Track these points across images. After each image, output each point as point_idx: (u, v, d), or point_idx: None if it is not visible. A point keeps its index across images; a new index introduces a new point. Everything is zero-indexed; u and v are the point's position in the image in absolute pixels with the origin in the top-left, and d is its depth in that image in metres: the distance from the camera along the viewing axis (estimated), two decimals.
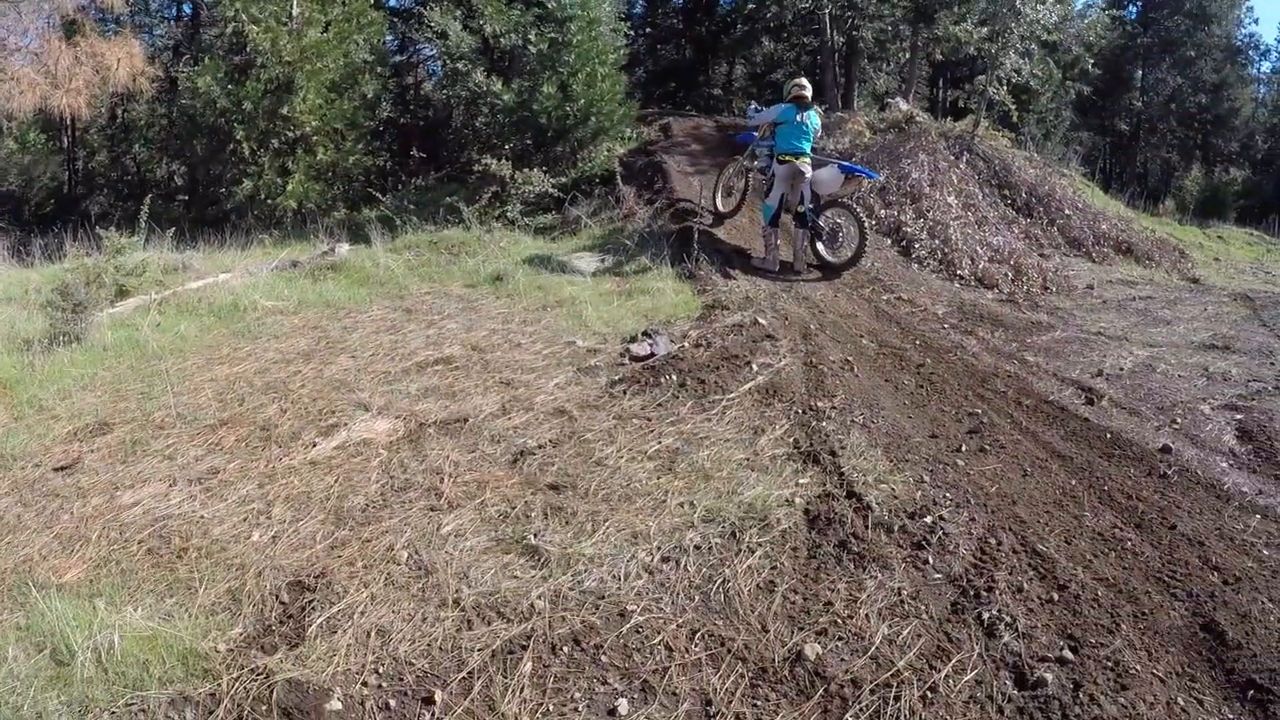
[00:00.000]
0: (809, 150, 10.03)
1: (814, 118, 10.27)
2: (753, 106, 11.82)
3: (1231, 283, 13.35)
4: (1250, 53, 42.58)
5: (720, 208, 11.76)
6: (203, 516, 4.50)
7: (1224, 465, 5.35)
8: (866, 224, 10.18)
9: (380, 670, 3.34)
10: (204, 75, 14.74)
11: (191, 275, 9.73)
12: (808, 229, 10.12)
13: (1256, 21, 55.66)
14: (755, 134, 11.08)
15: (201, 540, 4.26)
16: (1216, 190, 32.65)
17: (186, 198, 17.87)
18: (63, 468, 5.13)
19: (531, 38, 14.87)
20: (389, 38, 20.28)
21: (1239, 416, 6.14)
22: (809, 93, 10.17)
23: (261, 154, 14.92)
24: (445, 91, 18.47)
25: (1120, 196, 21.07)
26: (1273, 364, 7.43)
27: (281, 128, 15.07)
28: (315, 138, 15.36)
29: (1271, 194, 33.26)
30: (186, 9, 24.54)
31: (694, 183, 13.40)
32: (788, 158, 9.91)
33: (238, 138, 14.65)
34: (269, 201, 14.73)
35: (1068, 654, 3.43)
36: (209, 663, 3.33)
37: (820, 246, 10.22)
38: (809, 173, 9.94)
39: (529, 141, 14.97)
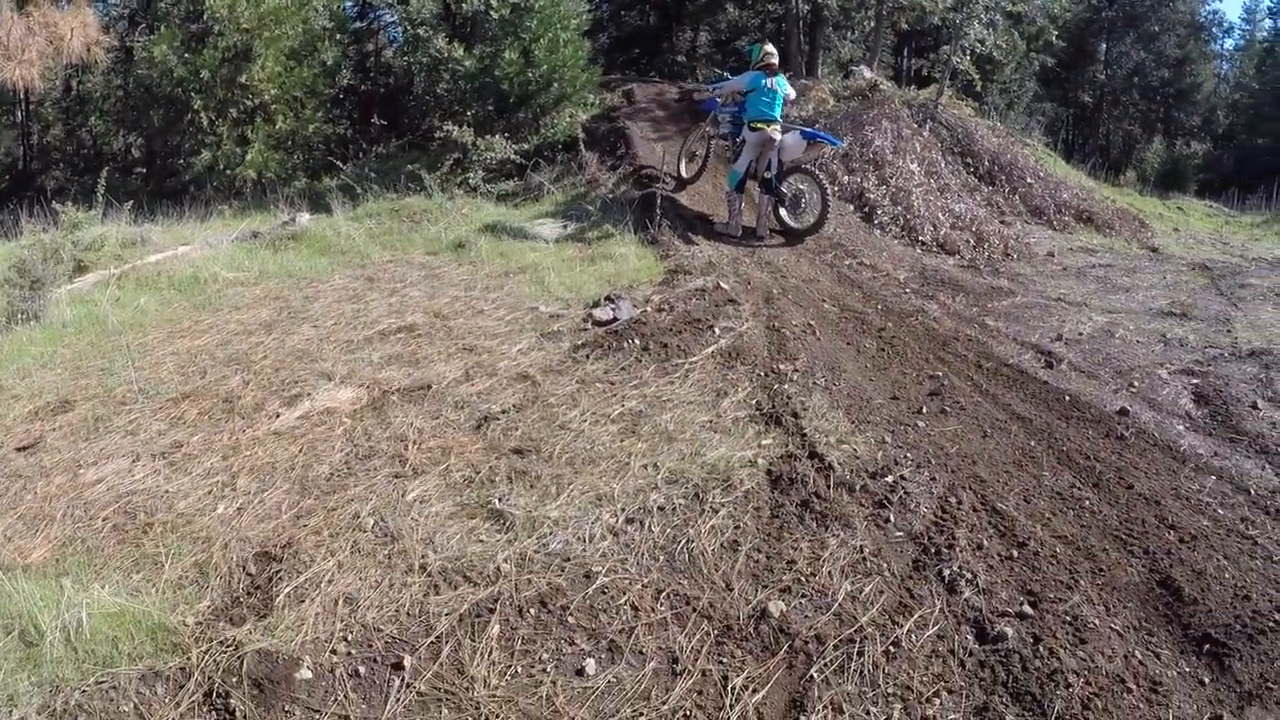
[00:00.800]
0: (779, 117, 9.97)
1: (783, 83, 10.17)
2: (720, 75, 11.92)
3: (1190, 252, 13.49)
4: (1213, 29, 43.08)
5: (684, 174, 11.68)
6: (167, 491, 4.47)
7: (1180, 428, 5.44)
8: (829, 190, 10.12)
9: (349, 637, 3.35)
10: (160, 44, 14.46)
11: (150, 249, 9.58)
12: (772, 195, 10.11)
13: None
14: (718, 100, 11.03)
15: (167, 515, 4.23)
16: (1177, 163, 32.99)
17: (144, 170, 17.57)
18: (25, 447, 5.08)
19: (493, 3, 14.66)
20: (349, 4, 20.05)
21: (1195, 381, 6.24)
22: (777, 59, 10.12)
23: (220, 124, 14.71)
24: (406, 58, 18.25)
25: (1082, 167, 21.23)
26: (1229, 331, 7.54)
27: (240, 96, 14.86)
28: (274, 106, 15.16)
29: (1231, 168, 33.70)
30: None
31: (657, 148, 13.36)
32: (759, 125, 9.83)
33: (195, 107, 14.42)
34: (228, 172, 14.55)
35: (1027, 609, 3.50)
36: (178, 637, 3.32)
37: (783, 212, 10.24)
38: (778, 139, 9.89)
39: (491, 108, 14.82)
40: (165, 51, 14.37)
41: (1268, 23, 45.89)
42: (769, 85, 9.89)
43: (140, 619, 3.37)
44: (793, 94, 10.69)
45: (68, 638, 3.25)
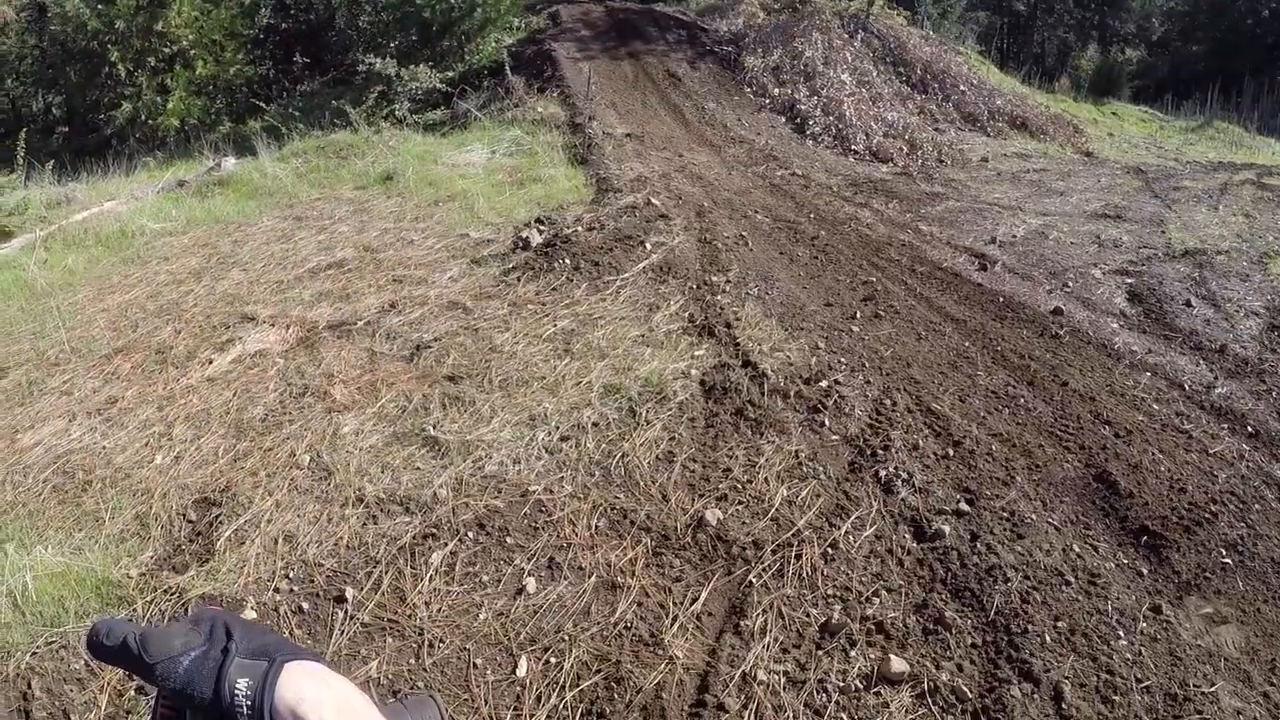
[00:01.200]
0: None
1: None
2: None
3: (1125, 157, 13.63)
4: None
5: None
6: (105, 447, 4.43)
7: (1114, 326, 5.55)
8: None
9: (290, 575, 3.36)
10: None
11: (76, 207, 9.38)
12: None
13: None
14: None
15: (105, 470, 4.20)
16: (1112, 69, 33.05)
17: (66, 129, 17.11)
18: None
19: None
20: None
21: (1130, 280, 6.34)
22: None
23: (139, 74, 14.38)
24: None
25: (1016, 74, 21.25)
26: (1163, 232, 7.64)
27: (157, 44, 14.50)
28: (193, 51, 14.81)
29: (1167, 74, 33.78)
30: None
31: (584, 68, 13.23)
32: None
33: (112, 59, 14.08)
34: (150, 122, 14.26)
35: (964, 507, 3.58)
36: (122, 590, 3.32)
37: None
38: None
39: (414, 38, 14.63)
40: (78, 5, 13.98)
41: None
42: None
43: (85, 576, 3.37)
44: None
45: (14, 602, 3.24)
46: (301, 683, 0.81)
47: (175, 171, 11.11)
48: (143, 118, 14.24)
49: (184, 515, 3.81)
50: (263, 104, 14.87)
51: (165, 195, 9.66)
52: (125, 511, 3.86)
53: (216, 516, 3.76)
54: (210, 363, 5.24)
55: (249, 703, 0.78)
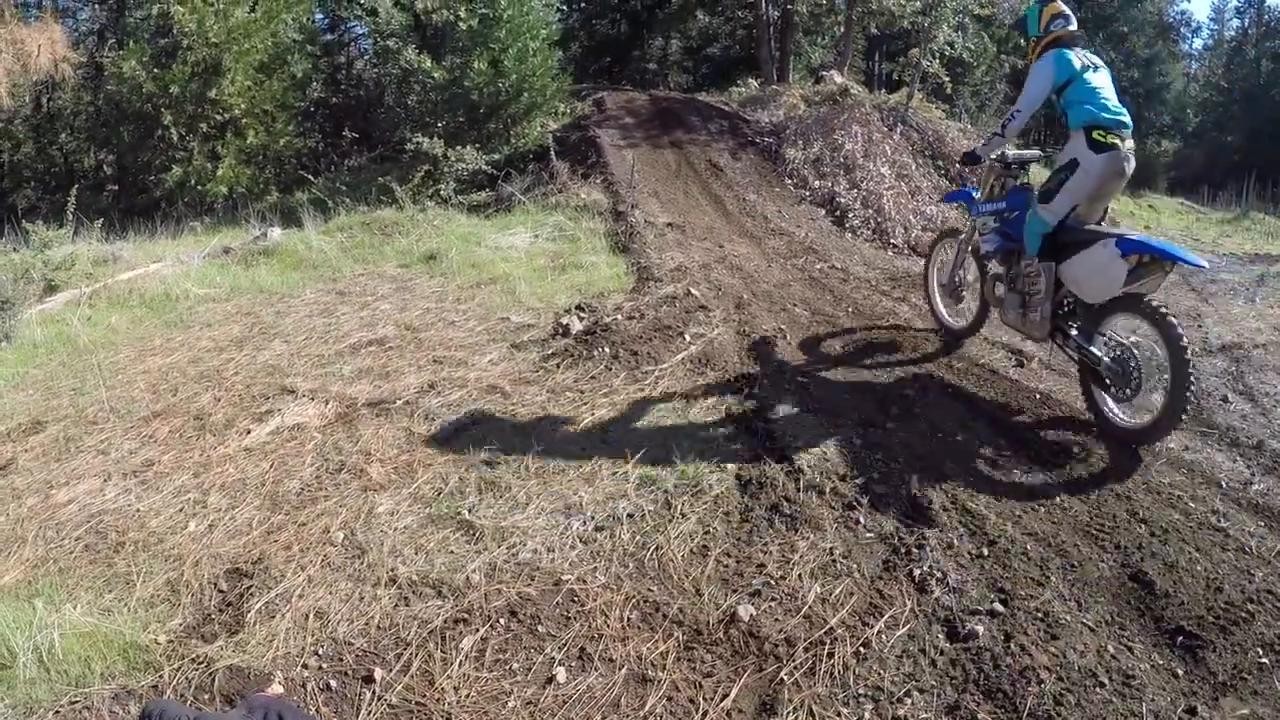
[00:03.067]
0: (1129, 121, 5.29)
1: (1100, 60, 5.59)
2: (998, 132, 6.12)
3: None
4: (1182, 29, 43.64)
5: (950, 321, 6.98)
6: (139, 509, 4.47)
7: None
8: (1186, 350, 4.72)
9: (320, 652, 3.36)
10: (129, 59, 14.46)
11: (122, 266, 9.57)
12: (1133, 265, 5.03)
13: None
14: (975, 192, 6.59)
15: (138, 533, 4.24)
16: (1148, 161, 33.31)
17: (116, 187, 17.50)
18: None
19: (462, 14, 14.71)
20: (318, 15, 20.00)
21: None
22: (1074, 24, 5.74)
23: (190, 139, 14.71)
24: (376, 70, 18.33)
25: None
26: (1200, 326, 7.56)
27: (210, 111, 14.86)
28: (244, 120, 15.16)
29: (1202, 165, 34.00)
30: None
31: (627, 156, 13.40)
32: (1102, 135, 5.18)
33: (165, 123, 14.41)
34: (199, 187, 14.55)
35: (998, 607, 3.52)
36: (150, 655, 3.32)
37: (1104, 396, 5.18)
38: (1130, 169, 5.31)
39: (462, 119, 14.86)
40: (134, 67, 14.35)
41: (1235, 21, 46.59)
42: (1082, 62, 5.42)
43: (112, 638, 3.38)
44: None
45: (40, 659, 3.25)
46: None
47: (221, 238, 11.32)
48: (192, 182, 14.54)
49: (215, 584, 3.83)
50: (310, 176, 15.15)
51: (210, 261, 9.83)
52: (157, 576, 3.88)
53: (248, 588, 3.77)
54: (248, 433, 5.28)
55: None
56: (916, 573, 3.76)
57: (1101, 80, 5.36)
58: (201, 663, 3.28)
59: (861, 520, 4.20)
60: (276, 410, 5.56)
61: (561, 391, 5.77)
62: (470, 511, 4.28)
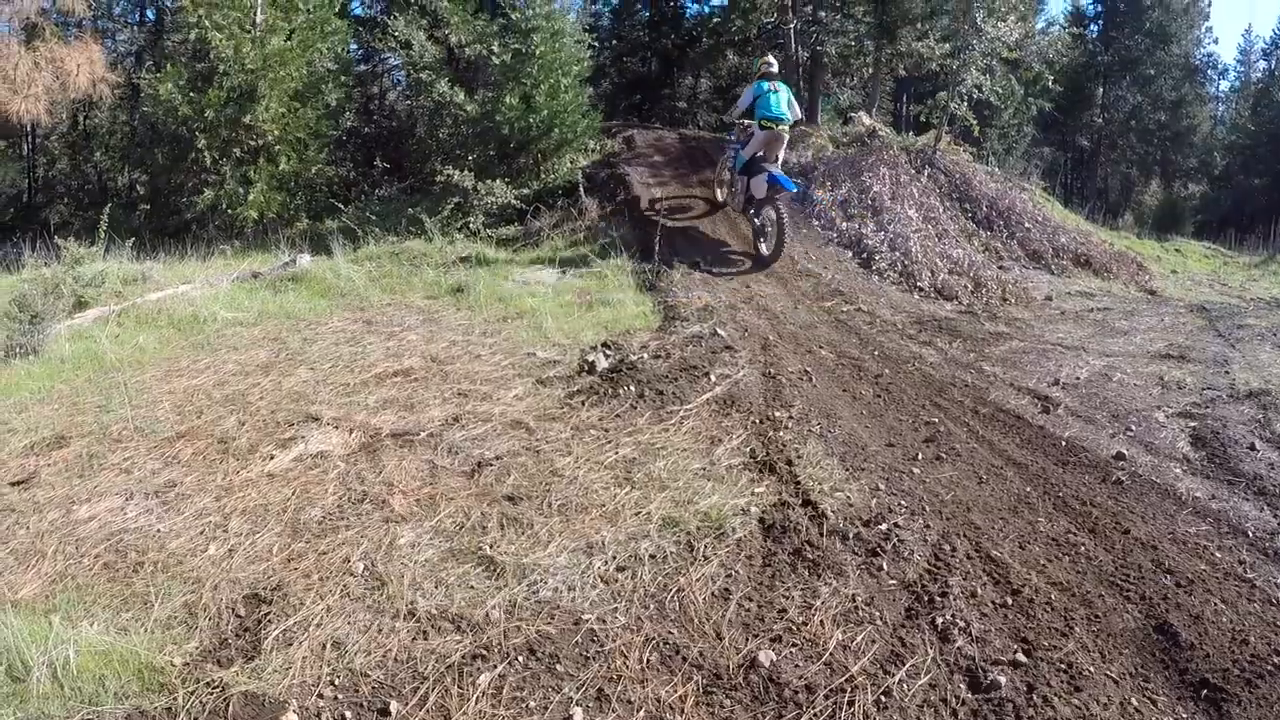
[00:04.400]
0: (786, 117, 11.20)
1: (784, 86, 11.44)
2: (730, 114, 12.62)
3: (1188, 294, 13.56)
4: (1209, 72, 43.74)
5: (719, 198, 13.41)
6: (159, 530, 4.46)
7: (1178, 471, 5.42)
8: (785, 221, 11.10)
9: (336, 682, 3.33)
10: (166, 82, 14.62)
11: (151, 286, 9.63)
12: (767, 189, 11.08)
13: (1216, 41, 57.19)
14: (733, 137, 12.34)
15: (158, 554, 4.22)
16: (1174, 205, 33.36)
17: (148, 207, 17.68)
18: (19, 482, 5.06)
19: (495, 48, 14.87)
20: (353, 46, 20.23)
21: (1193, 424, 6.23)
22: (775, 67, 11.64)
23: (223, 163, 14.85)
24: (409, 101, 18.54)
25: (1080, 210, 21.40)
26: (1227, 373, 7.53)
27: (244, 136, 15.01)
28: (277, 147, 15.30)
29: (1229, 209, 33.97)
30: (150, 14, 24.31)
31: (656, 193, 13.51)
32: (768, 124, 11.07)
33: (199, 146, 14.55)
34: (230, 211, 14.67)
35: (1021, 657, 3.48)
36: (164, 676, 3.30)
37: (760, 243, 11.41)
38: (785, 139, 11.41)
39: (492, 153, 14.98)
40: (171, 90, 14.52)
41: (1262, 64, 46.60)
42: (771, 87, 11.19)
43: (127, 658, 3.36)
44: (797, 109, 11.70)
45: (55, 674, 3.23)
46: None
47: (251, 262, 11.40)
48: (223, 206, 14.65)
49: (233, 609, 3.80)
50: (341, 204, 15.26)
51: (239, 285, 9.89)
52: (174, 598, 3.85)
53: (265, 614, 3.74)
54: (271, 458, 5.28)
55: None
56: (939, 621, 3.72)
57: (776, 98, 11.14)
58: (216, 688, 3.26)
59: (885, 567, 4.17)
60: (300, 437, 5.57)
61: (586, 429, 5.75)
62: (491, 547, 4.25)
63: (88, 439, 5.62)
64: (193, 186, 15.00)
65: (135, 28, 24.36)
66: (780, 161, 11.47)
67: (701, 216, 12.74)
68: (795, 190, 11.53)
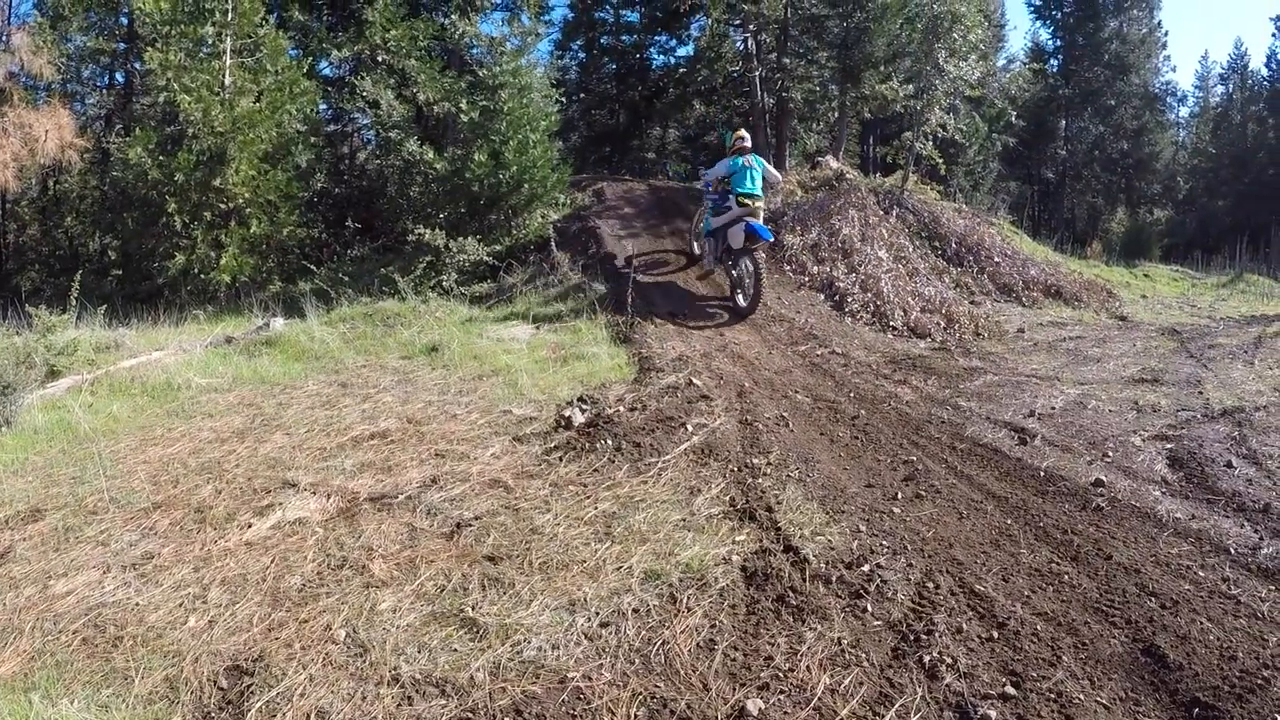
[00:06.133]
0: (760, 193, 11.54)
1: (758, 160, 11.72)
2: (703, 173, 12.86)
3: (1159, 318, 13.75)
4: (1168, 99, 44.75)
5: (695, 251, 13.44)
6: (138, 603, 4.41)
7: (1157, 494, 5.49)
8: (763, 273, 11.23)
9: None
10: (135, 146, 14.62)
11: (124, 353, 9.58)
12: (734, 262, 11.51)
13: (1174, 69, 58.58)
14: (709, 187, 12.23)
15: (137, 628, 4.17)
16: (1141, 230, 33.87)
17: (119, 273, 17.59)
18: None
19: (463, 105, 14.99)
20: (322, 106, 20.24)
21: (1169, 446, 6.31)
22: (749, 142, 11.91)
23: (194, 227, 14.81)
24: (379, 161, 18.59)
25: (1048, 241, 21.73)
26: (1201, 393, 7.64)
27: (214, 199, 14.98)
28: (248, 210, 15.30)
29: (1195, 231, 34.64)
30: (119, 77, 24.28)
31: (627, 245, 13.61)
32: (744, 200, 11.31)
33: (170, 210, 14.51)
34: (202, 276, 14.62)
35: (1010, 690, 3.49)
36: None
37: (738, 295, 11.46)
38: (760, 214, 11.55)
39: (463, 210, 15.06)
40: (140, 154, 14.52)
41: (1220, 88, 47.67)
42: (745, 164, 11.44)
43: None
44: (774, 172, 12.11)
45: None
46: None
47: (224, 327, 11.38)
48: (195, 270, 14.60)
49: (215, 682, 3.76)
50: (313, 266, 15.28)
51: (213, 350, 9.86)
52: (155, 673, 3.81)
53: (248, 686, 3.70)
54: (249, 526, 5.24)
55: None
56: (926, 659, 3.73)
57: (751, 175, 11.44)
58: None
59: (869, 608, 4.18)
60: (278, 504, 5.53)
61: (564, 485, 5.75)
62: (474, 608, 4.23)
63: (63, 511, 5.57)
64: (164, 251, 14.93)
65: (104, 91, 24.31)
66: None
67: (676, 271, 12.89)
68: (770, 240, 11.63)
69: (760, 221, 11.31)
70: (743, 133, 12.03)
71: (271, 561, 4.82)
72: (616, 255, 13.33)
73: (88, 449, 6.61)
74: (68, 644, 4.07)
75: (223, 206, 15.12)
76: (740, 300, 11.30)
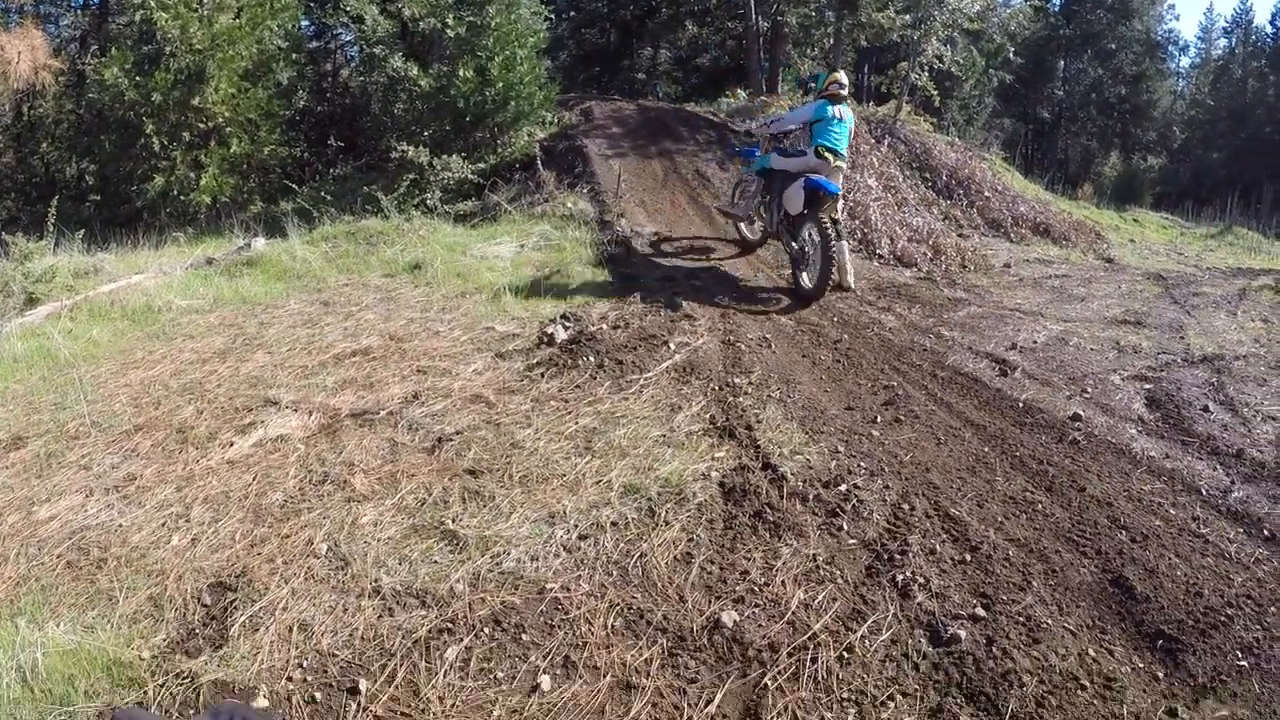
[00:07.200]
0: (844, 152, 8.93)
1: (850, 115, 9.12)
2: (770, 118, 10.99)
3: (1145, 263, 13.73)
4: (1169, 48, 44.43)
5: (749, 236, 10.59)
6: (121, 525, 4.43)
7: (1133, 432, 5.52)
8: (836, 240, 8.56)
9: (304, 664, 3.34)
10: (111, 66, 14.24)
11: (103, 278, 9.45)
12: (807, 194, 8.53)
13: (1177, 18, 57.89)
14: (757, 151, 10.23)
15: (121, 549, 4.19)
16: (1133, 176, 33.75)
17: (97, 198, 17.30)
18: None
19: (449, 21, 14.67)
20: (304, 23, 19.77)
21: (1148, 386, 6.33)
22: (846, 88, 9.12)
23: (173, 148, 14.53)
24: (362, 78, 18.23)
25: (1039, 181, 21.61)
26: (1182, 338, 7.65)
27: (193, 120, 14.67)
28: (228, 129, 15.00)
29: (1188, 182, 34.56)
30: None
31: (614, 165, 13.44)
32: (827, 154, 8.69)
33: (147, 131, 14.20)
34: (182, 197, 14.40)
35: (980, 611, 3.57)
36: (134, 671, 3.30)
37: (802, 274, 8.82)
38: (844, 169, 9.10)
39: (448, 127, 14.81)
40: (116, 74, 14.15)
41: (1223, 41, 47.25)
42: (836, 114, 8.83)
43: (96, 655, 3.35)
44: (853, 129, 9.56)
45: (24, 678, 3.22)
46: None
47: (205, 248, 11.22)
48: (175, 192, 14.37)
49: (199, 599, 3.80)
50: (295, 185, 15.08)
51: (193, 272, 9.76)
52: (140, 592, 3.84)
53: (231, 602, 3.74)
54: (231, 445, 5.25)
55: None
56: (899, 578, 3.80)
57: (840, 129, 8.86)
58: (186, 678, 3.26)
59: (845, 527, 4.24)
60: (260, 422, 5.53)
61: (546, 400, 5.77)
62: (454, 521, 4.28)
63: (44, 438, 5.54)
64: (142, 174, 14.66)
65: (79, 11, 23.74)
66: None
67: (661, 186, 12.67)
68: (838, 193, 8.68)
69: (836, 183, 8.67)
70: (840, 76, 9.15)
71: (253, 479, 4.84)
72: (603, 175, 13.16)
73: (68, 375, 6.57)
74: (52, 568, 4.09)
75: (202, 126, 14.83)
76: (805, 280, 8.66)
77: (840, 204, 8.92)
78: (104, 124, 15.53)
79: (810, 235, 8.56)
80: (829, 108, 8.81)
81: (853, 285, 9.14)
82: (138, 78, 14.34)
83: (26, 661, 3.27)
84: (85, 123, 17.10)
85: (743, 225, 10.50)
